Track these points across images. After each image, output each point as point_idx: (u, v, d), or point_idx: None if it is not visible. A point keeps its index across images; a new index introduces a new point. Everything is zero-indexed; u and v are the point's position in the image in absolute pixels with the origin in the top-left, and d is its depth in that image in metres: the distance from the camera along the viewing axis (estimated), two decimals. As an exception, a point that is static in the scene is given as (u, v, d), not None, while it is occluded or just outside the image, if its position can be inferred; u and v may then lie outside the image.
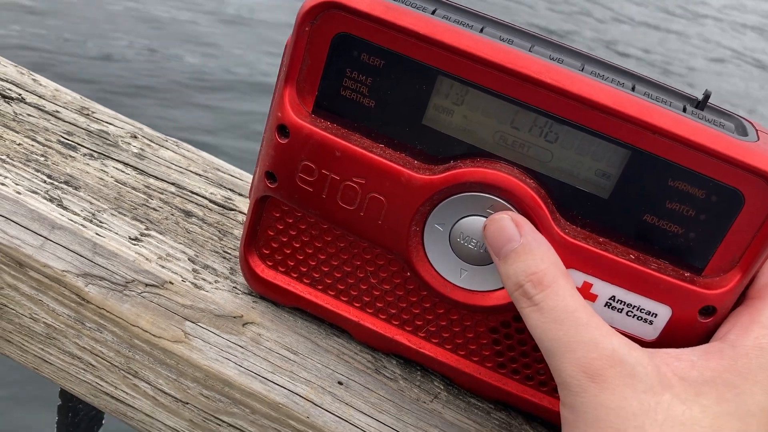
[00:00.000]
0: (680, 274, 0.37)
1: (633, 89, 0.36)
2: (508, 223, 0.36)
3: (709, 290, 0.36)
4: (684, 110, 0.36)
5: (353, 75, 0.38)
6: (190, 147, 0.59)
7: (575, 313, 0.34)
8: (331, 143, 0.39)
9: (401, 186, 0.38)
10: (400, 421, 0.42)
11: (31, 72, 0.62)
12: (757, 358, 0.34)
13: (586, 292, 0.37)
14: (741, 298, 0.38)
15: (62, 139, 0.55)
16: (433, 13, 0.37)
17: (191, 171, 0.56)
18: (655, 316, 0.37)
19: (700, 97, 0.37)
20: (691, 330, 0.37)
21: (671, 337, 0.37)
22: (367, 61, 0.38)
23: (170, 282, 0.46)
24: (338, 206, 0.40)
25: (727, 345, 0.35)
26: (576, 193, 0.37)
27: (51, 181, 0.50)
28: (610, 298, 0.37)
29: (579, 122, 0.36)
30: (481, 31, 0.37)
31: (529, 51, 0.37)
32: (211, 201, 0.53)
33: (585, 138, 0.36)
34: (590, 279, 0.37)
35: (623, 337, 0.34)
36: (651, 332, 0.38)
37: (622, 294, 0.37)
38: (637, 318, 0.38)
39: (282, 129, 0.40)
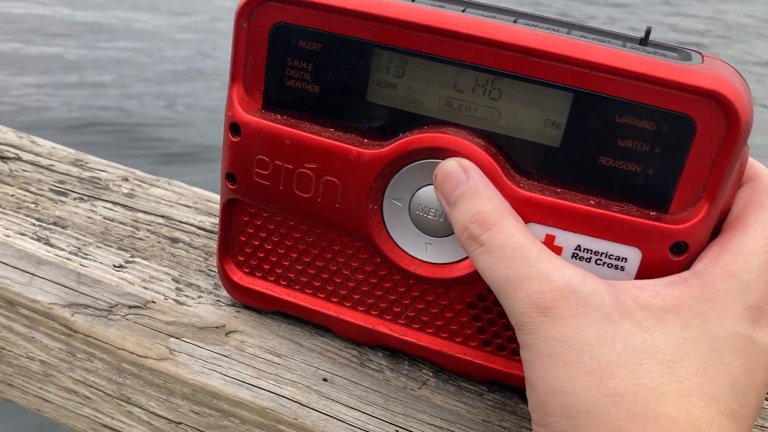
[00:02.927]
0: (645, 213, 0.35)
1: (568, 34, 0.36)
2: (455, 167, 0.36)
3: (676, 225, 0.35)
4: (623, 46, 0.35)
5: (294, 63, 0.39)
6: (182, 184, 0.60)
7: (524, 249, 0.33)
8: (280, 133, 0.39)
9: (351, 164, 0.38)
10: (388, 411, 0.40)
11: (30, 135, 0.64)
12: (725, 284, 0.32)
13: (549, 244, 0.36)
14: (717, 234, 0.36)
15: (54, 187, 0.56)
16: None
17: (181, 204, 0.57)
18: (626, 261, 0.36)
19: (642, 35, 0.37)
20: (665, 271, 0.35)
21: None
22: (305, 47, 0.38)
23: (152, 301, 0.46)
24: (296, 196, 0.40)
25: (693, 274, 0.33)
26: (527, 146, 0.36)
27: (40, 223, 0.52)
28: (575, 248, 0.36)
29: (518, 72, 0.35)
30: (413, 1, 0.38)
31: (462, 12, 0.37)
32: (198, 228, 0.54)
33: (527, 88, 0.36)
34: (552, 231, 0.36)
35: (579, 269, 0.33)
36: (624, 279, 0.36)
37: (587, 242, 0.36)
38: (608, 265, 0.36)
39: (234, 127, 0.40)
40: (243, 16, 0.38)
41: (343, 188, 0.39)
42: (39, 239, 0.50)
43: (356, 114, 0.39)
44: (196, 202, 0.57)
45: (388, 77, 0.38)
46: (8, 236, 0.50)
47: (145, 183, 0.59)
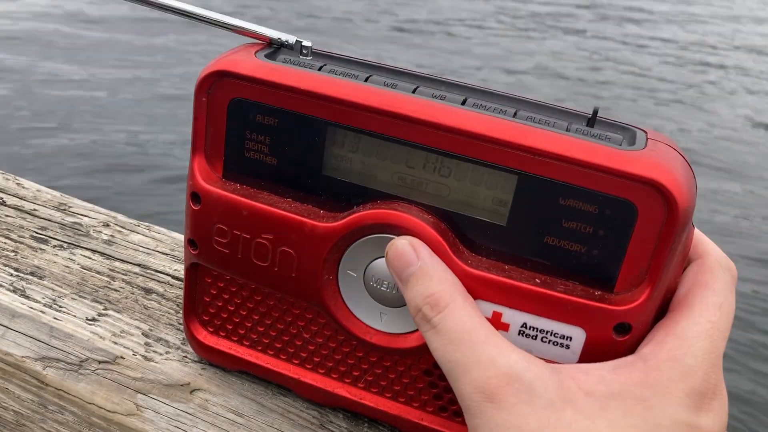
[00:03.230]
0: (590, 293, 0.36)
1: (515, 115, 0.37)
2: (407, 247, 0.36)
3: (619, 306, 0.35)
4: (568, 129, 0.36)
5: (253, 136, 0.40)
6: (161, 229, 0.61)
7: (472, 333, 0.34)
8: (238, 204, 0.40)
9: (306, 236, 0.39)
10: (343, 475, 0.41)
11: (17, 177, 0.66)
12: (669, 370, 0.33)
13: (497, 322, 0.37)
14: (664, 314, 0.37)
15: (35, 234, 0.58)
16: (320, 69, 0.39)
17: (158, 251, 0.58)
18: (571, 340, 0.36)
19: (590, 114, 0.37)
20: (609, 350, 0.36)
21: (591, 361, 0.36)
22: (263, 121, 0.39)
23: (122, 357, 0.47)
24: (254, 264, 0.41)
25: (639, 358, 0.34)
26: (475, 223, 0.37)
27: (17, 273, 0.53)
28: (522, 326, 0.37)
29: (464, 154, 0.36)
30: (367, 79, 0.38)
31: (413, 92, 0.37)
32: (173, 277, 0.55)
33: (475, 169, 0.36)
34: (499, 308, 0.37)
35: (524, 353, 0.34)
36: (570, 357, 0.37)
37: (532, 320, 0.36)
38: (553, 343, 0.37)
39: (194, 196, 0.41)
40: (202, 90, 0.39)
41: (299, 259, 0.40)
42: (15, 290, 0.51)
43: (312, 186, 0.40)
44: (174, 249, 0.59)
45: (342, 152, 0.39)
46: (-15, 287, 0.51)
47: (125, 229, 0.60)
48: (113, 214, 0.62)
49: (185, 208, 0.42)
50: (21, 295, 0.51)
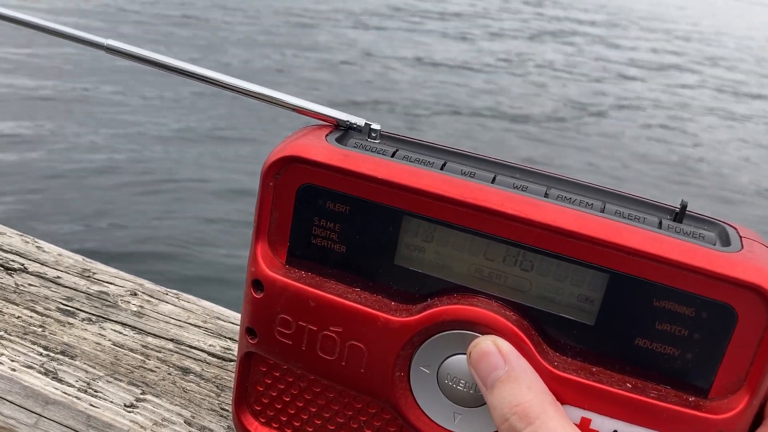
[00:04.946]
0: (684, 399, 0.34)
1: (603, 209, 0.35)
2: (492, 348, 0.34)
3: (717, 415, 0.34)
4: (660, 225, 0.35)
5: (321, 223, 0.38)
6: (191, 297, 0.59)
7: None
8: (305, 294, 0.38)
9: (378, 331, 0.37)
10: None
11: (36, 239, 0.63)
12: None
13: (585, 428, 0.35)
14: (759, 420, 0.35)
15: (61, 306, 0.55)
16: (393, 155, 0.37)
17: (190, 323, 0.55)
18: None
19: (678, 207, 0.36)
20: None
21: None
22: (333, 208, 0.37)
23: (165, 449, 0.44)
24: (319, 358, 0.39)
25: None
26: (561, 321, 0.35)
27: (47, 352, 0.50)
28: None
29: (550, 249, 0.34)
30: (443, 167, 0.37)
31: (492, 182, 0.36)
32: (209, 354, 0.52)
33: (560, 264, 0.35)
34: (588, 414, 0.35)
35: None
36: None
37: (624, 428, 0.35)
38: None
39: (257, 283, 0.39)
40: (270, 174, 0.38)
41: (369, 354, 0.38)
42: (47, 373, 0.48)
43: (383, 276, 0.38)
44: (206, 321, 0.56)
45: (416, 241, 0.37)
46: (14, 370, 0.48)
47: (153, 298, 0.58)
48: (140, 280, 0.60)
49: (244, 295, 0.40)
50: (53, 378, 0.48)
